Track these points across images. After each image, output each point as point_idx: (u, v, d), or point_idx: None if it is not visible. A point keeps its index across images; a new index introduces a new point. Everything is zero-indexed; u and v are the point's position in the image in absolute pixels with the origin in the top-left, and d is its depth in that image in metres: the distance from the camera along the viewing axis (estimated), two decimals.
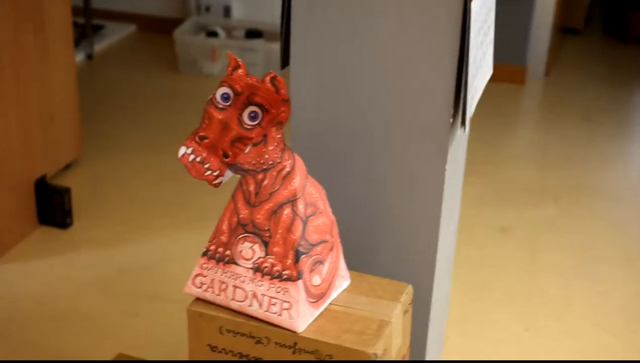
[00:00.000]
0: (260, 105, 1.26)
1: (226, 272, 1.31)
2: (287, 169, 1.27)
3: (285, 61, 1.55)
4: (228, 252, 1.31)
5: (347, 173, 1.53)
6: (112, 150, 3.26)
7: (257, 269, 1.28)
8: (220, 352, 1.32)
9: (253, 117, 1.27)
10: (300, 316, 1.26)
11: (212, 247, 1.32)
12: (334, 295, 1.34)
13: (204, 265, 1.33)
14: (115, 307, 2.35)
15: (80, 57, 4.14)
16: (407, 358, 1.45)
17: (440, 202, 1.49)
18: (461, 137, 1.63)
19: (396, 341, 1.35)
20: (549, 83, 4.18)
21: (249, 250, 1.29)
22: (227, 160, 1.30)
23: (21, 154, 2.64)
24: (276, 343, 1.28)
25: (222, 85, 1.28)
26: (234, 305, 1.30)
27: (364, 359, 1.23)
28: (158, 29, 4.55)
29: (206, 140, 1.30)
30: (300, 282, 1.26)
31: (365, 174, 1.52)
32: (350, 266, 1.41)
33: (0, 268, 2.50)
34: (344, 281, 1.38)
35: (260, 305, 1.28)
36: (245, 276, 1.29)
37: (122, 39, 4.51)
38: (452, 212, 1.66)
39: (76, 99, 2.97)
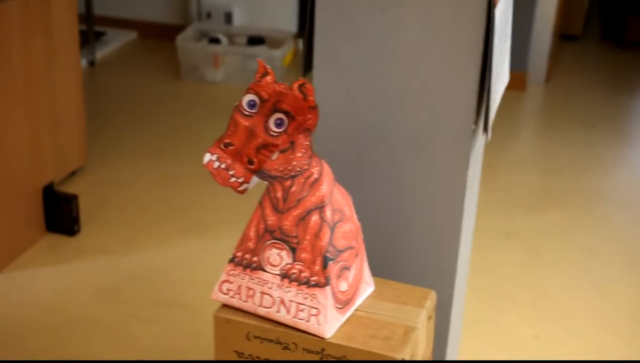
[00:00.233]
0: (286, 112, 1.27)
1: (253, 279, 1.31)
2: (315, 176, 1.27)
3: (307, 66, 1.55)
4: (255, 259, 1.31)
5: (370, 179, 1.53)
6: (116, 156, 3.26)
7: (285, 275, 1.29)
8: (247, 358, 1.32)
9: (279, 124, 1.28)
10: (328, 322, 1.26)
11: (239, 254, 1.32)
12: (359, 301, 1.35)
13: (231, 272, 1.33)
14: (125, 314, 2.34)
15: (82, 63, 4.11)
16: None
17: (462, 208, 1.49)
18: (480, 143, 1.64)
19: (421, 347, 1.35)
20: (549, 89, 4.20)
21: (277, 257, 1.29)
22: (251, 167, 1.31)
23: (29, 160, 2.63)
24: (304, 349, 1.28)
25: (249, 92, 1.29)
26: (261, 311, 1.30)
27: None
28: (159, 35, 4.55)
29: (231, 147, 1.30)
30: (328, 288, 1.26)
31: (388, 180, 1.52)
32: (372, 272, 1.41)
33: (10, 275, 2.50)
34: (368, 287, 1.38)
35: (288, 311, 1.28)
36: (273, 282, 1.29)
37: (123, 45, 4.51)
38: (470, 218, 1.67)
39: (82, 104, 2.97)
